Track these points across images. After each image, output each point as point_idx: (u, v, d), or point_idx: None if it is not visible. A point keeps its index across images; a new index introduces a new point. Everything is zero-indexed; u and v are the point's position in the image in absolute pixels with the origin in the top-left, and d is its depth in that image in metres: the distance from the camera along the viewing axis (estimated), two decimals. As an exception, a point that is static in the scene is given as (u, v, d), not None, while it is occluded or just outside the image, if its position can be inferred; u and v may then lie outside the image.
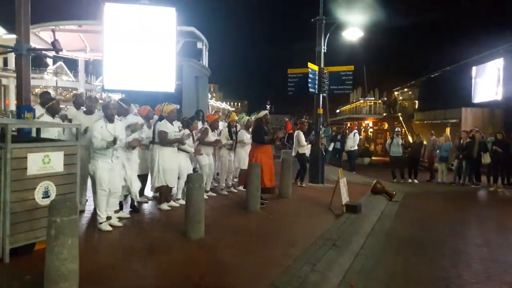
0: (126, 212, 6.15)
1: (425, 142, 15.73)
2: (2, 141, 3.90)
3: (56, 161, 4.25)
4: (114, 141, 5.19)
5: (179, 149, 6.85)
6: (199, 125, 8.08)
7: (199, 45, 18.41)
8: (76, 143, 4.60)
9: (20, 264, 3.94)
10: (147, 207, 6.89)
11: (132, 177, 5.85)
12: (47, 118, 5.70)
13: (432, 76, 31.10)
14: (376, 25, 12.81)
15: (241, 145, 8.41)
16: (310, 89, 10.18)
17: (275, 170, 7.77)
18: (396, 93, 42.53)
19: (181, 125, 7.05)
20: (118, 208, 5.87)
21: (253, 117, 8.55)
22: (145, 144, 6.68)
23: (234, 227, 5.97)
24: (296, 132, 10.50)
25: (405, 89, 40.74)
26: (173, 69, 12.93)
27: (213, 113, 9.54)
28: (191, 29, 16.46)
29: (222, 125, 8.70)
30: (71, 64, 39.60)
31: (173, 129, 6.61)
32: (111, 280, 3.84)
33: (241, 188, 8.43)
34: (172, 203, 6.84)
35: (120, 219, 5.73)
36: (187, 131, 6.98)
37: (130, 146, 5.73)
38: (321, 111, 10.77)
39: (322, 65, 10.56)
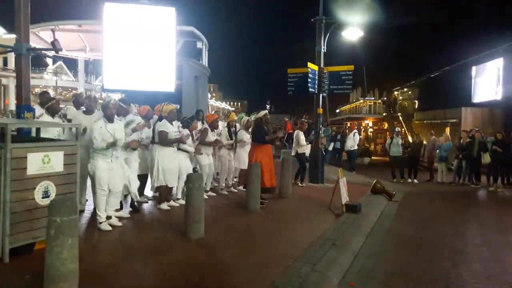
0: (126, 212, 6.14)
1: (425, 142, 15.74)
2: (2, 140, 3.89)
3: (56, 161, 4.24)
4: (114, 143, 5.20)
5: (178, 149, 6.85)
6: (199, 125, 8.08)
7: (199, 45, 18.41)
8: (76, 143, 4.59)
9: (19, 264, 3.94)
10: (147, 207, 6.89)
11: (131, 176, 5.84)
12: (46, 118, 5.69)
13: (432, 76, 31.12)
14: (375, 24, 12.84)
15: (241, 145, 8.41)
16: (310, 89, 10.18)
17: (275, 170, 7.78)
18: (396, 93, 42.55)
19: (180, 125, 7.04)
20: (118, 207, 5.87)
21: (252, 117, 8.55)
22: (145, 144, 6.68)
23: (234, 227, 5.97)
24: (295, 131, 10.50)
25: (405, 89, 40.76)
26: (172, 69, 12.92)
27: (212, 113, 9.53)
28: (190, 28, 16.46)
29: (222, 125, 8.70)
30: (71, 63, 39.65)
31: (172, 129, 6.60)
32: (111, 280, 3.84)
33: (241, 188, 8.43)
34: (172, 203, 6.84)
35: (120, 219, 5.73)
36: (186, 131, 6.98)
37: (129, 147, 5.72)
38: (321, 111, 10.77)
39: (322, 65, 10.56)
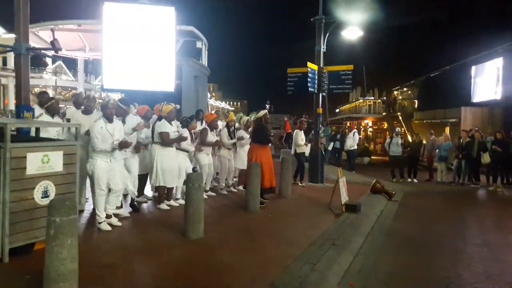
0: (125, 212, 6.14)
1: (424, 142, 15.74)
2: (2, 140, 3.89)
3: (55, 161, 4.24)
4: (117, 147, 5.23)
5: (178, 148, 6.84)
6: (198, 125, 8.06)
7: (199, 44, 18.41)
8: (75, 143, 4.59)
9: (19, 264, 3.93)
10: (146, 206, 6.88)
11: (126, 175, 5.83)
12: (46, 117, 5.69)
13: (431, 75, 31.12)
14: (375, 24, 12.85)
15: (241, 145, 8.41)
16: (310, 89, 10.18)
17: (275, 170, 7.78)
18: (395, 92, 42.55)
19: (180, 125, 7.04)
20: (119, 204, 5.87)
21: (252, 117, 8.56)
22: (145, 144, 6.68)
23: (233, 227, 5.97)
24: (295, 131, 10.51)
25: (405, 89, 40.76)
26: (172, 68, 12.91)
27: (212, 112, 9.51)
28: (190, 28, 16.45)
29: (221, 125, 8.69)
30: (70, 63, 39.65)
31: (172, 129, 6.60)
32: (111, 279, 3.84)
33: (240, 187, 8.44)
34: (172, 202, 6.84)
35: (119, 218, 5.73)
36: (186, 132, 6.96)
37: (122, 147, 5.62)
38: (320, 110, 10.77)
39: (321, 65, 10.55)
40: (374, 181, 9.92)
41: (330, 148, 16.66)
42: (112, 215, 5.58)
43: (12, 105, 29.63)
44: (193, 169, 6.80)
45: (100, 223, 5.32)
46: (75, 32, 16.48)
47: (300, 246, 5.14)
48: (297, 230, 6.04)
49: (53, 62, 41.13)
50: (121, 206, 6.16)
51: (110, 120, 5.36)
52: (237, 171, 8.79)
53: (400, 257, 5.42)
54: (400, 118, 35.17)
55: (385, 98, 42.65)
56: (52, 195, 4.18)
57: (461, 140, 12.91)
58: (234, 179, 9.03)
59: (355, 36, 11.48)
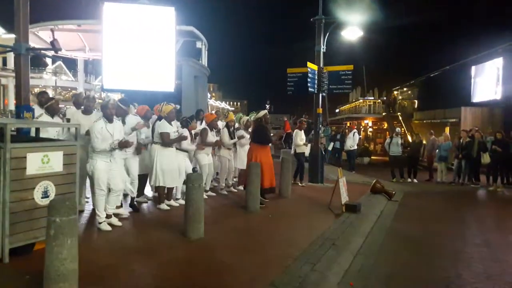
0: (125, 212, 6.14)
1: (424, 142, 15.74)
2: (2, 140, 3.89)
3: (55, 161, 4.24)
4: (116, 147, 5.22)
5: (178, 149, 6.84)
6: (198, 125, 8.06)
7: (199, 44, 18.43)
8: (75, 143, 4.59)
9: (19, 264, 3.93)
10: (146, 207, 6.88)
11: (124, 174, 5.84)
12: (46, 118, 5.69)
13: (431, 75, 31.13)
14: (375, 24, 12.84)
15: (241, 145, 8.41)
16: (310, 89, 10.18)
17: (275, 170, 7.78)
18: (395, 92, 42.57)
19: (179, 125, 7.04)
20: (119, 204, 5.88)
21: (252, 117, 8.56)
22: (145, 143, 6.68)
23: (233, 227, 5.97)
24: (294, 131, 10.52)
25: (405, 89, 40.77)
26: (172, 68, 12.91)
27: (213, 112, 9.51)
28: (190, 28, 16.46)
29: (221, 125, 8.69)
30: (70, 63, 39.62)
31: (171, 129, 6.60)
32: (111, 280, 3.84)
33: (240, 188, 8.44)
34: (172, 202, 6.84)
35: (119, 218, 5.73)
36: (186, 132, 6.96)
37: (122, 146, 5.62)
38: (320, 110, 10.78)
39: (321, 65, 10.56)
40: (374, 181, 9.92)
41: (330, 148, 16.66)
42: (112, 215, 5.58)
43: (12, 105, 29.62)
44: (193, 169, 6.79)
45: (100, 223, 5.32)
46: (75, 32, 16.49)
47: (300, 246, 5.14)
48: (297, 230, 6.04)
49: (53, 62, 41.14)
50: (121, 206, 6.16)
51: (110, 120, 5.36)
52: (237, 171, 8.79)
53: (400, 257, 5.42)
54: (400, 118, 35.18)
55: (385, 98, 42.68)
56: (52, 195, 4.18)
57: (461, 140, 12.91)
58: (234, 179, 9.03)
59: (355, 36, 11.48)
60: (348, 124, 33.24)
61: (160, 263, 4.33)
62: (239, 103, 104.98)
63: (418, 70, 37.31)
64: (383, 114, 39.55)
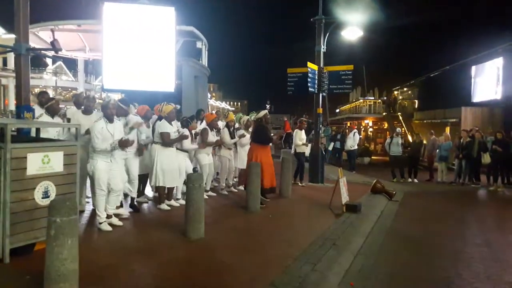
0: (126, 212, 6.14)
1: (425, 142, 15.73)
2: (2, 141, 3.89)
3: (55, 161, 4.24)
4: (117, 146, 5.23)
5: (178, 149, 6.85)
6: (199, 125, 8.05)
7: (199, 44, 18.42)
8: (75, 143, 4.59)
9: (20, 264, 3.94)
10: (147, 207, 6.89)
11: (123, 175, 5.84)
12: (46, 118, 5.69)
13: (431, 75, 31.13)
14: (375, 24, 12.84)
15: (241, 145, 8.41)
16: (310, 89, 10.18)
17: (275, 170, 7.78)
18: (395, 92, 42.56)
19: (180, 125, 7.04)
20: (118, 204, 5.88)
21: (252, 117, 8.56)
22: (146, 143, 6.69)
23: (234, 227, 5.97)
24: (295, 131, 10.52)
25: (405, 89, 40.77)
26: (172, 68, 12.92)
27: (213, 112, 9.51)
28: (190, 28, 16.46)
29: (222, 125, 8.69)
30: (71, 63, 39.62)
31: (172, 129, 6.60)
32: (111, 280, 3.84)
33: (241, 188, 8.44)
34: (172, 202, 6.84)
35: (120, 218, 5.73)
36: (186, 131, 6.97)
37: (123, 146, 5.62)
38: (320, 110, 10.78)
39: (321, 65, 10.56)
40: (375, 181, 9.92)
41: (330, 148, 16.65)
42: (113, 215, 5.58)
43: (12, 106, 29.62)
44: (194, 169, 6.80)
45: (100, 223, 5.32)
46: (75, 33, 16.49)
47: (300, 246, 5.14)
48: (297, 230, 6.04)
49: (53, 63, 41.14)
50: (121, 206, 6.17)
51: (110, 120, 5.37)
52: (237, 171, 8.79)
53: (401, 257, 5.42)
54: (401, 118, 35.18)
55: (385, 98, 42.67)
56: (52, 195, 4.19)
57: (461, 140, 12.90)
58: (235, 179, 9.03)
59: (355, 36, 11.48)
60: (349, 124, 33.24)
61: (160, 263, 4.33)
62: (239, 103, 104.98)
63: (418, 70, 37.41)
64: (384, 114, 39.54)
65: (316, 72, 10.40)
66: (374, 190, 9.62)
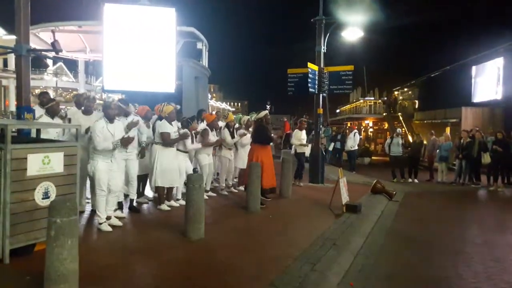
0: (125, 213, 6.14)
1: (425, 142, 15.73)
2: (2, 141, 3.90)
3: (56, 162, 4.25)
4: (119, 145, 5.24)
5: (178, 149, 6.85)
6: (200, 125, 8.06)
7: (199, 45, 18.46)
8: (76, 144, 4.60)
9: (20, 264, 3.94)
10: (147, 207, 6.89)
11: (123, 174, 5.85)
12: (46, 119, 5.70)
13: (432, 75, 31.11)
14: (375, 24, 12.84)
15: (241, 145, 8.42)
16: (310, 89, 10.19)
17: (275, 170, 7.79)
18: (396, 92, 42.52)
19: (180, 125, 7.05)
20: (117, 207, 5.89)
21: (252, 117, 8.57)
22: (147, 143, 6.70)
23: (234, 227, 5.97)
24: (294, 130, 10.53)
25: (405, 89, 40.72)
26: (173, 69, 12.94)
27: (213, 113, 9.52)
28: (191, 29, 16.49)
29: (222, 125, 8.69)
30: (71, 64, 39.59)
31: (172, 129, 6.61)
32: (111, 280, 3.84)
33: (241, 188, 8.44)
34: (172, 203, 6.84)
35: (120, 219, 5.74)
36: (186, 131, 6.97)
37: (124, 144, 5.62)
38: (321, 111, 10.78)
39: (322, 65, 10.56)
40: (375, 181, 9.92)
41: (330, 148, 16.66)
42: (112, 216, 5.58)
43: (12, 107, 29.65)
44: (194, 169, 6.81)
45: (100, 223, 5.33)
46: (75, 34, 16.54)
47: (300, 246, 5.14)
48: (297, 230, 6.04)
49: (54, 64, 41.11)
50: (121, 209, 6.16)
51: (111, 120, 5.38)
52: (237, 171, 8.79)
53: (401, 257, 5.43)
54: (401, 118, 35.13)
55: (385, 98, 42.59)
56: (52, 196, 4.19)
57: (461, 140, 12.90)
58: (234, 180, 9.03)
59: (355, 37, 11.50)
60: (349, 125, 33.17)
61: (160, 263, 4.34)
62: (239, 104, 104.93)
63: (419, 70, 37.36)
64: (384, 114, 39.49)
65: (317, 72, 10.41)
66: (374, 190, 9.62)
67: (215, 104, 64.33)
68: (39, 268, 3.38)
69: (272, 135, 7.85)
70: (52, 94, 27.88)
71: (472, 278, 4.67)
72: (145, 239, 5.14)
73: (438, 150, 13.70)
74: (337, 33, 11.24)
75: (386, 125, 39.15)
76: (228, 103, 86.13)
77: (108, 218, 5.44)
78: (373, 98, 43.74)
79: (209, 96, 50.78)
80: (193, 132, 7.33)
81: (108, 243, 4.91)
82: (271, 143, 8.38)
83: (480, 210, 9.74)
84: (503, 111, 21.36)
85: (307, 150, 10.33)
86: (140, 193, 7.09)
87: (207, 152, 7.74)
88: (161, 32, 12.71)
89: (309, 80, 10.07)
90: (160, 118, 6.79)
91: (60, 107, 6.32)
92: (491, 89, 22.95)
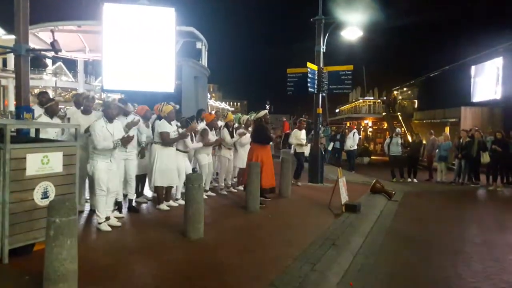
0: (123, 212, 6.13)
1: (424, 142, 15.74)
2: (1, 141, 3.90)
3: (55, 162, 4.24)
4: (119, 143, 5.24)
5: (178, 149, 6.85)
6: (200, 125, 8.05)
7: (198, 45, 18.46)
8: (75, 144, 4.60)
9: (19, 264, 3.94)
10: (146, 207, 6.89)
11: (121, 174, 5.85)
12: (45, 118, 5.69)
13: (431, 75, 31.12)
14: (375, 24, 12.85)
15: (241, 145, 8.41)
16: (310, 89, 10.18)
17: (275, 170, 7.79)
18: (395, 92, 42.54)
19: (179, 125, 7.04)
20: (115, 207, 5.88)
21: (252, 117, 8.56)
22: (147, 143, 6.70)
23: (233, 227, 5.97)
24: (293, 130, 10.52)
25: (405, 89, 40.75)
26: (172, 69, 12.93)
27: (212, 113, 9.52)
28: (190, 29, 16.48)
29: (221, 124, 8.69)
30: (70, 64, 39.57)
31: (171, 128, 6.61)
32: (110, 280, 3.84)
33: (240, 188, 8.44)
34: (171, 203, 6.84)
35: (119, 219, 5.73)
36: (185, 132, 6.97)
37: (125, 142, 5.62)
38: (320, 110, 10.78)
39: (321, 65, 10.56)
40: (374, 181, 9.92)
41: (330, 148, 16.66)
42: (111, 216, 5.58)
43: (12, 106, 29.63)
44: (193, 169, 6.80)
45: (100, 223, 5.32)
46: (75, 33, 16.52)
47: (300, 246, 5.14)
48: (297, 230, 6.04)
49: (53, 63, 41.13)
50: (120, 209, 6.14)
51: (110, 120, 5.38)
52: (236, 171, 8.79)
53: (400, 257, 5.43)
54: (400, 118, 35.15)
55: (385, 98, 42.64)
56: (52, 196, 4.19)
57: (461, 140, 12.91)
58: (234, 179, 9.03)
59: (354, 36, 11.48)
60: (348, 124, 33.20)
61: (159, 263, 4.33)
62: (239, 104, 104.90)
63: (418, 70, 37.39)
64: (383, 114, 39.52)
65: (316, 72, 10.40)
66: (373, 190, 9.62)
67: (215, 103, 64.30)
68: (38, 268, 3.38)
69: (272, 134, 7.83)
70: (51, 94, 27.88)
71: (471, 277, 4.67)
72: (144, 238, 5.14)
73: (437, 150, 13.70)
74: (336, 32, 11.24)
75: (385, 125, 39.19)
76: (227, 102, 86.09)
77: (107, 218, 5.44)
78: (372, 98, 43.78)
79: (209, 95, 50.77)
80: (192, 132, 7.32)
81: (107, 243, 4.90)
82: (271, 143, 8.37)
83: (479, 209, 9.74)
84: (502, 111, 21.37)
85: (306, 150, 10.33)
86: (139, 193, 7.08)
87: (206, 152, 7.74)
88: (160, 31, 12.70)
89: (309, 79, 10.07)
90: (159, 117, 6.79)
91: (59, 107, 6.32)
92: (491, 89, 22.97)
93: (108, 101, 5.83)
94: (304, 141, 10.00)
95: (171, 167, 6.60)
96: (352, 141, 15.29)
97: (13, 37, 6.75)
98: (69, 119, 6.22)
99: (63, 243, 3.22)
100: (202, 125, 7.93)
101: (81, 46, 18.17)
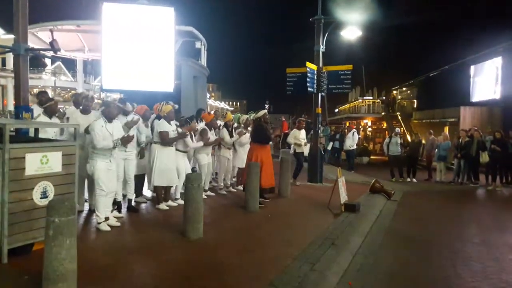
0: (122, 212, 6.13)
1: (423, 141, 15.75)
2: (0, 141, 3.89)
3: (54, 161, 4.24)
4: (119, 143, 5.24)
5: (177, 149, 6.85)
6: (199, 125, 8.04)
7: (198, 44, 18.45)
8: (74, 143, 4.59)
9: (18, 264, 3.93)
10: (145, 207, 6.88)
11: (120, 175, 5.85)
12: (44, 118, 5.69)
13: (430, 75, 31.13)
14: (374, 24, 12.85)
15: (240, 144, 8.41)
16: (309, 89, 10.18)
17: (274, 170, 7.79)
18: (394, 92, 42.55)
19: (178, 124, 7.04)
20: (114, 207, 5.88)
21: (251, 116, 8.56)
22: (146, 143, 6.69)
23: (233, 226, 5.97)
24: (292, 130, 10.53)
25: (404, 88, 40.76)
26: (171, 68, 12.92)
27: (212, 112, 9.51)
28: (189, 28, 16.47)
29: (221, 123, 8.69)
30: (70, 64, 39.58)
31: (170, 128, 6.61)
32: (110, 280, 3.84)
33: (240, 188, 8.44)
34: (171, 203, 6.84)
35: (118, 219, 5.73)
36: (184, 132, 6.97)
37: (125, 142, 5.63)
38: (319, 110, 10.78)
39: (320, 65, 10.56)
40: (373, 180, 9.92)
41: (329, 148, 16.67)
42: (110, 216, 5.57)
43: (11, 106, 29.61)
44: (192, 169, 6.80)
45: (99, 223, 5.32)
46: (74, 33, 16.48)
47: (299, 245, 5.14)
48: (296, 230, 6.04)
49: (52, 63, 41.08)
50: (119, 209, 6.14)
51: (110, 120, 5.38)
52: (236, 171, 8.79)
53: (399, 257, 5.43)
54: (399, 117, 35.15)
55: (384, 98, 42.63)
56: (51, 195, 4.18)
57: (460, 140, 12.92)
58: (233, 179, 9.03)
59: (354, 36, 11.49)
60: (347, 124, 33.25)
61: (159, 263, 4.33)
62: (238, 103, 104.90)
63: (417, 69, 37.40)
64: (382, 113, 39.52)
65: (315, 72, 10.40)
66: (372, 189, 9.62)
67: (214, 103, 64.32)
68: (38, 268, 3.38)
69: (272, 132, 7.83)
70: (50, 93, 27.83)
71: (471, 277, 4.68)
72: (143, 238, 5.14)
73: (436, 150, 13.71)
74: (336, 32, 11.25)
75: (384, 125, 39.19)
76: (226, 102, 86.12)
77: (106, 219, 5.43)
78: (371, 98, 43.78)
79: (208, 95, 50.79)
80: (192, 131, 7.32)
81: (106, 243, 4.90)
82: (271, 143, 8.36)
83: (478, 209, 9.75)
84: (501, 111, 21.38)
85: (305, 150, 10.33)
86: (139, 193, 7.08)
87: (206, 151, 7.74)
88: (159, 31, 12.69)
89: (308, 79, 10.07)
90: (158, 117, 6.78)
91: (59, 106, 6.32)
92: (490, 89, 22.97)
93: (108, 100, 5.83)
94: (303, 141, 10.00)
95: (171, 167, 6.60)
96: (352, 141, 15.30)
97: (12, 36, 6.74)
98: (68, 118, 6.21)
99: (62, 242, 3.22)
100: (201, 125, 7.93)
101: (80, 45, 18.14)
